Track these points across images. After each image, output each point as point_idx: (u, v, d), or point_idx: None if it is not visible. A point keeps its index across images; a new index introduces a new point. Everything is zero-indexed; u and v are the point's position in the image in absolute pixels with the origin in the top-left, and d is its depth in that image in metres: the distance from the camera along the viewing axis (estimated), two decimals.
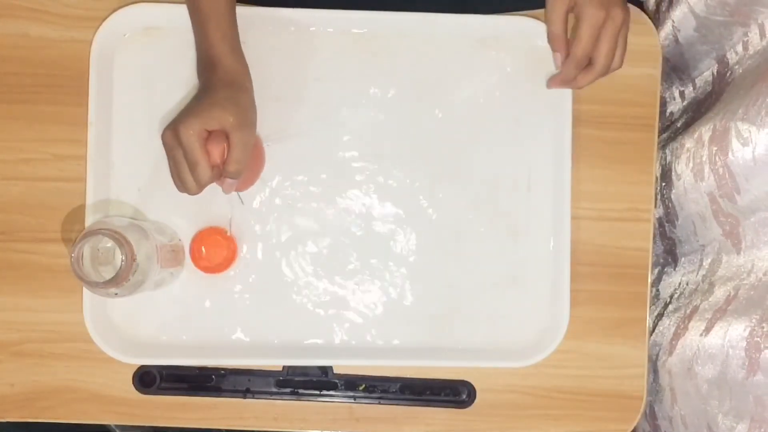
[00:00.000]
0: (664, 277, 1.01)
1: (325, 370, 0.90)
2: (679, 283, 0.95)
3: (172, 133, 0.76)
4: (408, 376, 0.90)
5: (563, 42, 0.85)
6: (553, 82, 0.88)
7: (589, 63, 0.84)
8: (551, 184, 0.90)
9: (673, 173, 0.93)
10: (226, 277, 0.89)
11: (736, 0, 0.81)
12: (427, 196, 0.90)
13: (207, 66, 0.82)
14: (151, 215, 0.89)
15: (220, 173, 0.78)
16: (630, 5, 0.91)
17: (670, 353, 0.89)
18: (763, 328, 0.70)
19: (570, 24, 0.85)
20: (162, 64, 0.88)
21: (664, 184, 0.96)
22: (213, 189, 0.82)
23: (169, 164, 0.78)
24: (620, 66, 0.85)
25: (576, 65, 0.83)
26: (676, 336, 0.88)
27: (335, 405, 0.90)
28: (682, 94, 1.03)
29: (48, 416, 0.89)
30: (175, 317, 0.89)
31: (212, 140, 0.77)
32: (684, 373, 0.84)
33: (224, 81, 0.80)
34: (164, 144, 0.77)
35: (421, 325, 0.90)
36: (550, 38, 0.85)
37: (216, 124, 0.76)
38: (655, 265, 1.01)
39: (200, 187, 0.77)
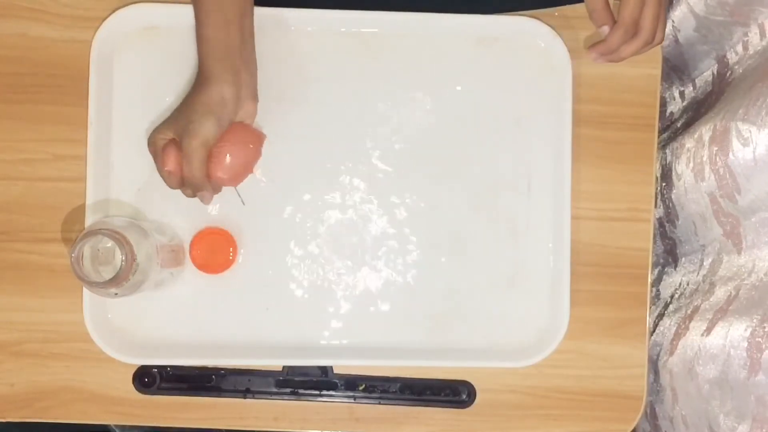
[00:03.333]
0: (664, 277, 1.01)
1: (325, 370, 0.90)
2: (680, 283, 0.95)
3: (149, 146, 0.83)
4: (408, 376, 0.90)
5: (608, 13, 0.83)
6: (595, 50, 0.86)
7: (634, 32, 0.82)
8: (551, 184, 0.90)
9: (673, 173, 0.93)
10: (226, 277, 0.89)
11: (736, 0, 0.81)
12: (427, 196, 0.90)
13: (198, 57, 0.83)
14: (151, 215, 0.88)
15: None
16: None
17: (671, 353, 0.89)
18: (764, 328, 0.70)
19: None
20: (162, 64, 0.88)
21: (664, 184, 0.96)
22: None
23: None
24: (662, 41, 0.83)
25: (624, 32, 0.82)
26: (677, 336, 0.89)
27: (335, 405, 0.90)
28: (682, 94, 1.03)
29: (48, 416, 0.89)
30: (175, 317, 0.89)
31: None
32: (685, 373, 0.84)
33: (199, 81, 0.81)
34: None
35: (421, 325, 0.90)
36: (593, 14, 0.84)
37: (171, 134, 0.81)
38: (655, 265, 1.01)
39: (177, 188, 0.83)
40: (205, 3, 0.79)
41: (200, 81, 0.81)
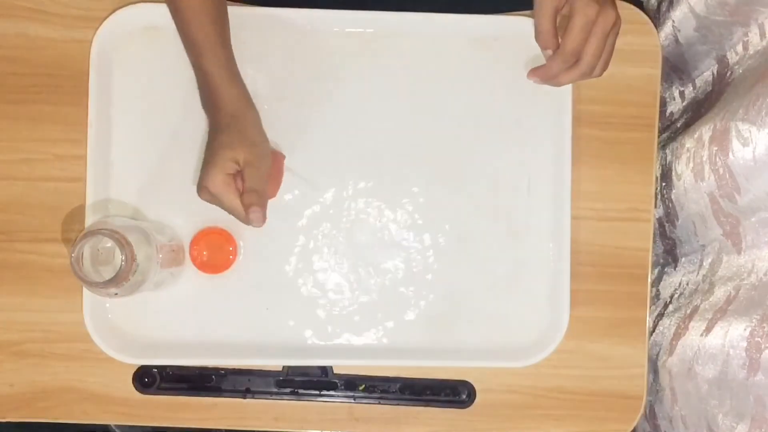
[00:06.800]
0: (664, 277, 1.01)
1: (325, 370, 0.90)
2: (680, 283, 0.95)
3: (203, 191, 0.80)
4: (408, 376, 0.90)
5: (553, 38, 0.83)
6: (534, 73, 0.86)
7: (575, 62, 0.82)
8: (551, 184, 0.90)
9: (673, 173, 0.93)
10: (226, 277, 0.89)
11: (736, 0, 0.81)
12: (427, 196, 0.90)
13: (209, 101, 0.83)
14: (151, 215, 0.88)
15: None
16: (630, 5, 0.91)
17: (671, 353, 0.89)
18: (763, 328, 0.70)
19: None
20: (162, 64, 0.88)
21: (664, 184, 0.96)
22: None
23: None
24: (601, 74, 0.83)
25: (563, 60, 0.82)
26: (677, 336, 0.89)
27: (335, 405, 0.90)
28: (682, 94, 1.03)
29: (48, 416, 0.89)
30: (175, 317, 0.89)
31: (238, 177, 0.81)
32: (684, 373, 0.84)
33: (227, 117, 0.81)
34: (205, 200, 0.81)
35: (421, 325, 0.90)
36: (539, 36, 0.83)
37: (234, 166, 0.80)
38: (655, 265, 1.01)
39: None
40: (204, 38, 0.82)
41: (235, 109, 0.82)
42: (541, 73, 0.85)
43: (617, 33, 0.82)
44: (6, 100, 0.89)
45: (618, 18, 0.81)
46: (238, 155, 0.80)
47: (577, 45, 0.80)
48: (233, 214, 0.81)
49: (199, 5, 0.81)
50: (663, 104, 1.06)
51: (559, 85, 0.85)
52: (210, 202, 0.81)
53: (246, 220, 0.80)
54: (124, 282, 0.75)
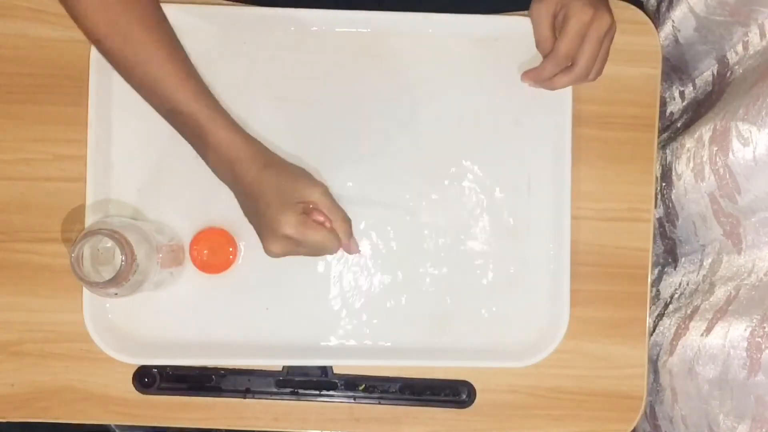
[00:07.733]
0: (664, 277, 1.01)
1: (325, 370, 0.90)
2: (680, 283, 0.95)
3: (282, 241, 0.76)
4: (408, 376, 0.90)
5: (552, 44, 0.83)
6: (527, 75, 0.87)
7: (569, 66, 0.83)
8: (551, 184, 0.90)
9: (673, 173, 0.93)
10: (226, 277, 0.89)
11: (736, 0, 0.81)
12: (428, 196, 0.90)
13: (230, 168, 0.79)
14: (151, 215, 0.88)
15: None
16: (630, 5, 0.91)
17: (671, 353, 0.89)
18: (764, 328, 0.70)
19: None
20: None
21: (664, 184, 0.96)
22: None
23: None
24: (595, 78, 0.84)
25: (557, 63, 0.82)
26: (677, 336, 0.89)
27: (335, 405, 0.90)
28: (682, 94, 1.03)
29: (48, 416, 0.89)
30: (175, 317, 0.89)
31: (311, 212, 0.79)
32: (685, 373, 0.84)
33: (260, 173, 0.78)
34: (281, 256, 0.77)
35: (421, 325, 0.90)
36: (538, 44, 0.85)
37: (300, 207, 0.77)
38: (655, 265, 1.01)
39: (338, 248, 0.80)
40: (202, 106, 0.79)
41: (263, 158, 0.79)
42: (534, 75, 0.85)
43: (612, 38, 0.83)
44: (6, 100, 0.89)
45: (613, 23, 0.81)
46: (301, 197, 0.77)
47: (571, 48, 0.81)
48: (324, 249, 0.78)
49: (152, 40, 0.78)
50: (663, 104, 1.06)
51: (553, 88, 0.85)
52: (287, 254, 0.78)
53: (349, 250, 0.80)
54: (124, 282, 0.75)
